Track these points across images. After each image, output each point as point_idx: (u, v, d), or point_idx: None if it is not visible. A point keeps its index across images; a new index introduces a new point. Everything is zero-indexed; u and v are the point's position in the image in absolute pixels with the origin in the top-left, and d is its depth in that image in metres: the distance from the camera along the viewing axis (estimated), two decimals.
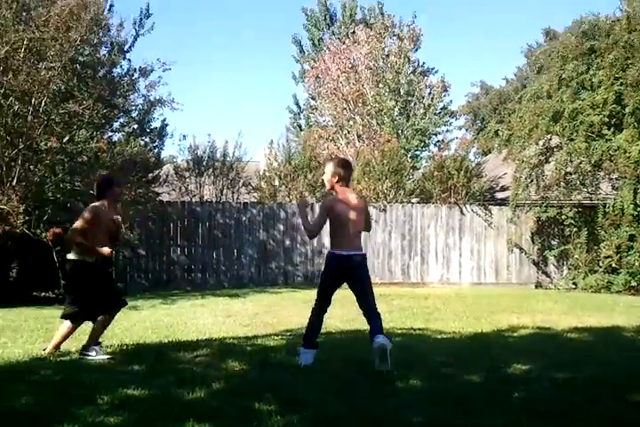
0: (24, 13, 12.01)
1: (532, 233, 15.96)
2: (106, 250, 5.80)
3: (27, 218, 10.90)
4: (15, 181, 11.53)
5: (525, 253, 15.99)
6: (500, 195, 17.33)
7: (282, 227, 15.60)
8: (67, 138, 12.04)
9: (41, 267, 12.12)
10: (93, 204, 5.99)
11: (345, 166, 5.66)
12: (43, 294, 12.18)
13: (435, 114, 22.71)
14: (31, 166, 12.00)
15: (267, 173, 18.25)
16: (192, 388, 4.42)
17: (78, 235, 5.75)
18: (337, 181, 5.56)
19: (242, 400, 4.18)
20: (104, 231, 5.90)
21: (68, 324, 5.89)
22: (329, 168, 5.61)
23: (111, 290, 6.10)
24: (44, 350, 5.96)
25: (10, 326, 8.25)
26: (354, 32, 23.55)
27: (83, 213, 5.91)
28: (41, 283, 12.36)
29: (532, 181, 15.44)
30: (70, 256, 5.90)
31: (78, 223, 5.78)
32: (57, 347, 5.95)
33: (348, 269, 5.43)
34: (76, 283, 5.97)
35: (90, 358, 5.67)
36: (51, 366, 5.34)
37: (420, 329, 7.87)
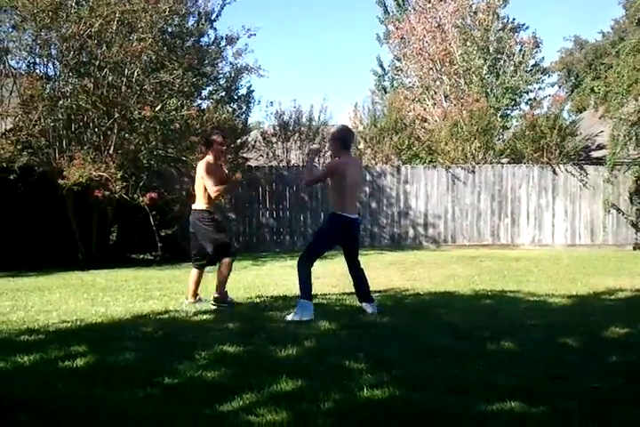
0: None
1: (630, 193, 15.25)
2: None
3: (124, 184, 11.35)
4: (112, 149, 12.02)
5: (623, 214, 15.33)
6: (595, 154, 16.58)
7: (368, 189, 15.57)
8: (159, 107, 12.36)
9: (139, 231, 12.65)
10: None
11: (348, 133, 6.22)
12: (141, 256, 12.71)
13: (526, 71, 21.76)
14: (126, 135, 12.44)
15: None
16: (284, 346, 4.55)
17: None
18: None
19: (332, 359, 4.26)
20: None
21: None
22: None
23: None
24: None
25: (111, 287, 8.68)
26: None
27: None
28: (139, 246, 12.90)
29: (630, 138, 14.68)
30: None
31: None
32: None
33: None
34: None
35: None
36: (151, 324, 5.60)
37: (511, 291, 7.70)
